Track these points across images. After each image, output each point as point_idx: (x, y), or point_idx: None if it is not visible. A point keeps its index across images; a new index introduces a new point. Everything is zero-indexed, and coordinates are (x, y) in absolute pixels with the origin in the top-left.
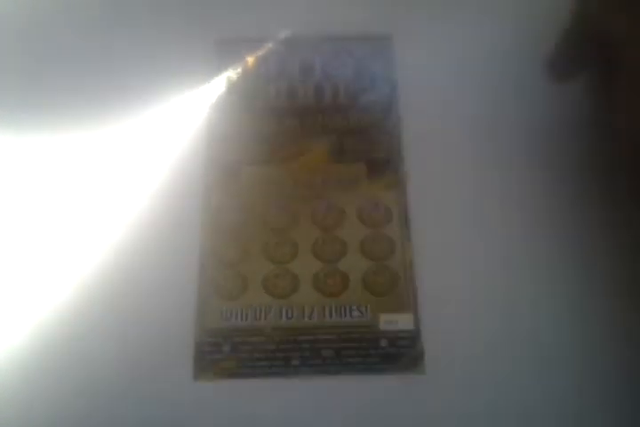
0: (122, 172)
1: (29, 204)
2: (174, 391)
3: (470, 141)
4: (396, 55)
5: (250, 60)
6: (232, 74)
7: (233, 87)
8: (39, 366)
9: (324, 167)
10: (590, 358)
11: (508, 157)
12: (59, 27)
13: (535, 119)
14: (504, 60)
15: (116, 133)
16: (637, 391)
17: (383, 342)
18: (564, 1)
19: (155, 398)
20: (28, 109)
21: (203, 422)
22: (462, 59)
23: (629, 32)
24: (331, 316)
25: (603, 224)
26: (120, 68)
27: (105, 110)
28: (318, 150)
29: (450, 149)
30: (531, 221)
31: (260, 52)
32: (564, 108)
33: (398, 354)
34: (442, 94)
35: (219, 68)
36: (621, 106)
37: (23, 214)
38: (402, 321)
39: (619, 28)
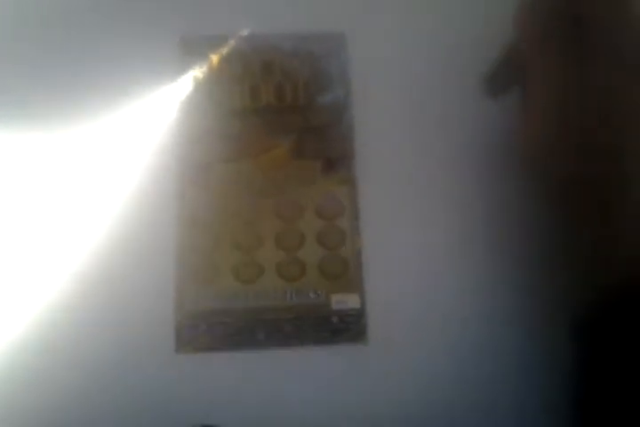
0: (98, 169)
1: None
2: (159, 362)
3: (419, 141)
4: (350, 54)
5: (214, 58)
6: (198, 73)
7: (199, 87)
8: (33, 348)
9: (285, 164)
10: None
11: (454, 157)
12: (19, 25)
13: (483, 119)
14: (454, 59)
15: (87, 133)
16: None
17: (334, 319)
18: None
19: (143, 368)
20: None
21: (183, 387)
22: (412, 58)
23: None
24: (291, 298)
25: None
26: (84, 67)
27: (71, 110)
28: (280, 148)
29: (399, 148)
30: (468, 217)
31: (224, 50)
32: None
33: (346, 329)
34: (392, 93)
35: (184, 66)
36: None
37: None
38: (350, 301)
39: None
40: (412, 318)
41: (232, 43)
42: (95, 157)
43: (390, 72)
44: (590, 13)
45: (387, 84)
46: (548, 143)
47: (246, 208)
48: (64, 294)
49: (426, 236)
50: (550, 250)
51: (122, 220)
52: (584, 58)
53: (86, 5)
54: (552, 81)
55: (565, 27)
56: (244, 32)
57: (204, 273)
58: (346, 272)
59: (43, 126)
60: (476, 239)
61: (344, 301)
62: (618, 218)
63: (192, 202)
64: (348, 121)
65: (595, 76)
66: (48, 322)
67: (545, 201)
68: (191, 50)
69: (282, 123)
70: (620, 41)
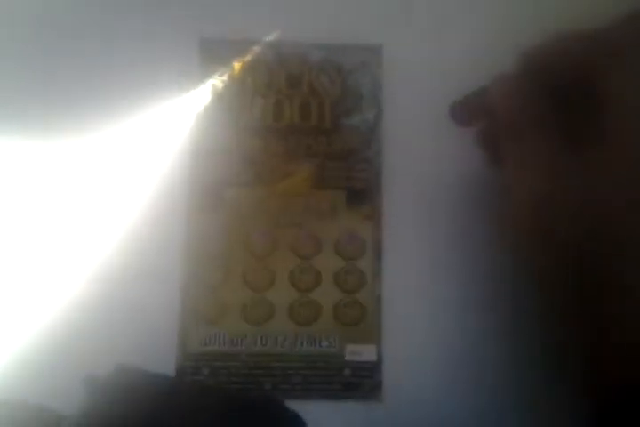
0: (101, 189)
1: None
2: None
3: (456, 177)
4: (384, 70)
5: (236, 65)
6: (217, 81)
7: (218, 97)
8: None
9: (305, 193)
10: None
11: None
12: (27, 27)
13: None
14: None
15: (94, 144)
16: None
17: (347, 372)
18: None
19: None
20: None
21: None
22: (453, 78)
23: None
24: (302, 345)
25: None
26: (92, 73)
27: (78, 119)
28: (301, 175)
29: (428, 183)
30: (493, 267)
31: (247, 57)
32: None
33: (359, 383)
34: (428, 118)
35: (202, 72)
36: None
37: None
38: (365, 352)
39: None
40: (432, 375)
41: (256, 49)
42: (101, 171)
43: (428, 93)
44: (603, 87)
45: (422, 107)
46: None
47: (259, 240)
48: (61, 328)
49: (458, 285)
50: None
51: (124, 245)
52: (583, 149)
53: (95, 4)
54: (534, 170)
55: (563, 103)
56: (270, 37)
57: (209, 311)
58: (363, 319)
59: (49, 135)
60: (503, 294)
61: (359, 352)
62: (612, 317)
63: (200, 230)
64: (377, 147)
65: (596, 177)
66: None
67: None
68: (211, 54)
69: (305, 146)
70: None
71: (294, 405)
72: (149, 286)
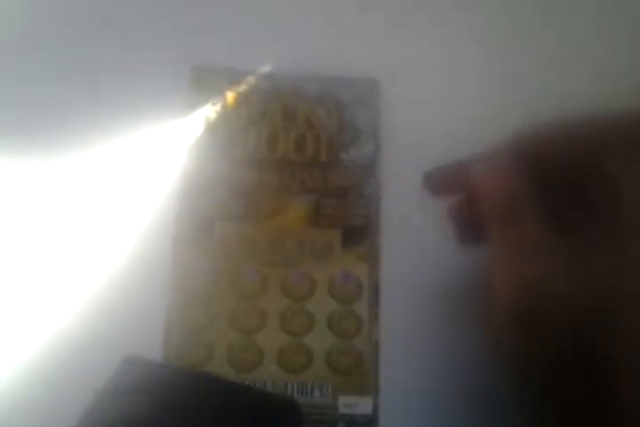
0: (87, 221)
1: None
2: None
3: None
4: (382, 105)
5: (230, 96)
6: (210, 111)
7: (211, 127)
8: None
9: (299, 230)
10: None
11: None
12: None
13: None
14: (500, 116)
15: (84, 174)
16: None
17: (341, 426)
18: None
19: None
20: None
21: None
22: (454, 113)
23: None
24: (292, 393)
25: None
26: (81, 99)
27: (70, 148)
28: (295, 211)
29: (428, 222)
30: None
31: (241, 88)
32: None
33: None
34: (428, 153)
35: (194, 102)
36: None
37: None
38: (361, 405)
39: None
40: None
41: (251, 80)
42: (88, 201)
43: (428, 128)
44: (604, 171)
45: (423, 142)
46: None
47: (248, 279)
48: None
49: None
50: None
51: (107, 281)
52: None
53: (84, 33)
54: (524, 254)
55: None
56: (266, 68)
57: (194, 354)
58: (359, 368)
59: (36, 158)
60: None
61: (354, 404)
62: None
63: (186, 266)
64: (375, 184)
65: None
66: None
67: None
68: (204, 83)
69: (299, 180)
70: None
71: None
72: (131, 327)
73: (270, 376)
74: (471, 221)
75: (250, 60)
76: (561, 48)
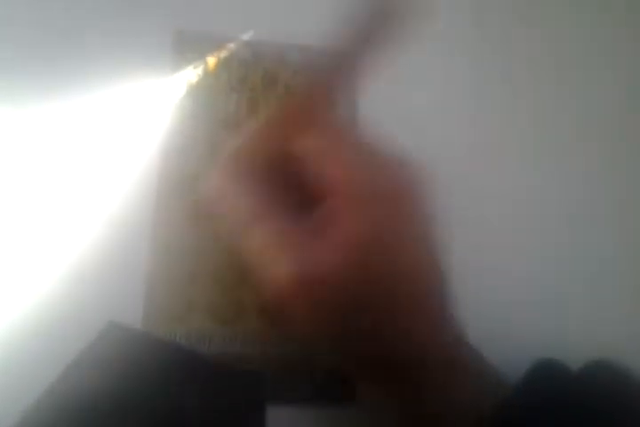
0: (69, 179)
1: None
2: None
3: None
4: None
5: (211, 61)
6: (191, 75)
7: (192, 90)
8: None
9: None
10: None
11: None
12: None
13: None
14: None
15: (66, 135)
16: None
17: (319, 375)
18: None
19: None
20: None
21: None
22: (427, 85)
23: None
24: (273, 345)
25: None
26: (62, 62)
27: (52, 111)
28: None
29: None
30: None
31: (222, 54)
32: None
33: (333, 387)
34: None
35: (176, 66)
36: None
37: None
38: None
39: None
40: None
41: (232, 46)
42: (70, 161)
43: (401, 97)
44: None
45: (394, 111)
46: None
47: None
48: (21, 321)
49: None
50: None
51: (89, 237)
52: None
53: None
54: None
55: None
56: (249, 36)
57: (175, 309)
58: None
59: (21, 121)
60: None
61: None
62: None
63: (168, 223)
64: None
65: None
66: None
67: None
68: (185, 47)
69: None
70: None
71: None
72: (113, 280)
73: (252, 328)
74: None
75: (232, 27)
76: None
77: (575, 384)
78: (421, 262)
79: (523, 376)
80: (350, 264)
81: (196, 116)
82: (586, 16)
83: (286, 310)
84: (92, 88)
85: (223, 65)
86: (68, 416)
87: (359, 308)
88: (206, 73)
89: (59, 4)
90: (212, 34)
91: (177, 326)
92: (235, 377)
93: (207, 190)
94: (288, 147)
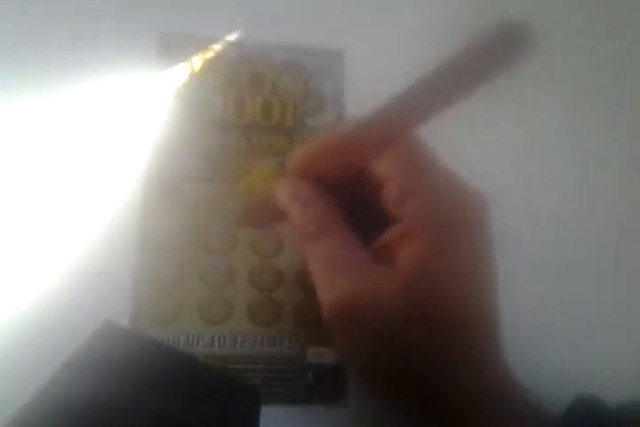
0: (56, 181)
1: None
2: None
3: None
4: (346, 74)
5: (197, 62)
6: (178, 76)
7: (179, 92)
8: None
9: (267, 191)
10: None
11: None
12: None
13: None
14: None
15: (53, 139)
16: None
17: (309, 375)
18: None
19: None
20: None
21: None
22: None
23: None
24: (262, 346)
25: None
26: (48, 64)
27: (39, 112)
28: (262, 173)
29: None
30: None
31: (208, 55)
32: None
33: (323, 387)
34: None
35: (162, 68)
36: None
37: None
38: (329, 355)
39: None
40: None
41: (218, 47)
42: (57, 164)
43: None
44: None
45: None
46: None
47: (218, 237)
48: (10, 321)
49: None
50: None
51: (76, 239)
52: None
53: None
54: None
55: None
56: (235, 37)
57: (164, 310)
58: None
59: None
60: None
61: (322, 354)
62: None
63: (156, 224)
64: None
65: None
66: None
67: None
68: (171, 50)
69: (266, 144)
70: None
71: None
72: (100, 282)
73: (240, 329)
74: None
75: (218, 29)
76: None
77: (615, 421)
78: (482, 308)
79: (564, 413)
80: (411, 296)
81: (183, 118)
82: None
83: (333, 330)
84: (78, 90)
85: (209, 66)
86: (59, 416)
87: (408, 344)
88: (192, 74)
89: (44, 7)
90: (197, 35)
91: (165, 327)
92: (230, 387)
93: (281, 191)
94: (368, 164)
